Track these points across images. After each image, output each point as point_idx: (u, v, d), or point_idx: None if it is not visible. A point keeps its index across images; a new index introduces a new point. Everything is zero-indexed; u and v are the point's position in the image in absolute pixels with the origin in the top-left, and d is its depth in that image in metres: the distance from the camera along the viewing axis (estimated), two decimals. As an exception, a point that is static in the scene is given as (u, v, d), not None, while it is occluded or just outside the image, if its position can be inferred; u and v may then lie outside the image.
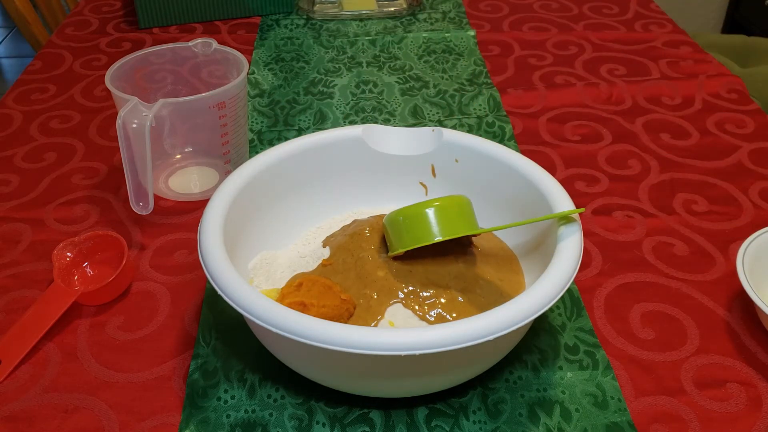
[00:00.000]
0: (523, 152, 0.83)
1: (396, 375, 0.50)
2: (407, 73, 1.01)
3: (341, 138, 0.65)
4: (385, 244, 0.61)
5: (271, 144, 0.85)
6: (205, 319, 0.61)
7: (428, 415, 0.54)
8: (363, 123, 0.89)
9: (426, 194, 0.68)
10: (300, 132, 0.88)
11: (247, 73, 0.74)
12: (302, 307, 0.54)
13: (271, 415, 0.54)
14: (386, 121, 0.90)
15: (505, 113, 0.91)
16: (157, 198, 0.76)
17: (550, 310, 0.62)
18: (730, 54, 1.71)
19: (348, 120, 0.90)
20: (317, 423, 0.53)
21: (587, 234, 0.71)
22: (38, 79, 0.99)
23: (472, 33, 1.11)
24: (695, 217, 0.74)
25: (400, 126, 0.78)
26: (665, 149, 0.84)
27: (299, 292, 0.56)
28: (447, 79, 0.99)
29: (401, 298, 0.57)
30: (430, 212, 0.57)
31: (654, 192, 0.77)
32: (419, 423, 0.53)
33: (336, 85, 0.98)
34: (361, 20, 1.16)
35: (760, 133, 0.87)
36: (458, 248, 0.60)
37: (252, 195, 0.60)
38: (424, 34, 1.11)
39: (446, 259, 0.59)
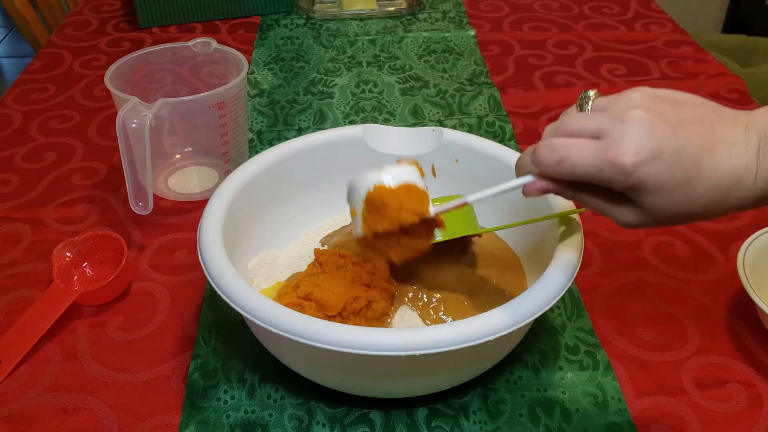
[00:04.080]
0: (523, 152, 0.83)
1: (396, 375, 0.50)
2: (407, 73, 1.01)
3: (341, 138, 0.65)
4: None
5: (271, 144, 0.85)
6: (205, 319, 0.61)
7: (428, 415, 0.54)
8: (363, 123, 0.89)
9: (426, 194, 0.68)
10: (300, 132, 0.88)
11: (247, 73, 0.74)
12: (300, 308, 0.53)
13: (271, 415, 0.54)
14: (386, 121, 0.90)
15: (505, 113, 0.91)
16: (156, 198, 0.76)
17: (551, 310, 0.62)
18: (730, 54, 1.71)
19: (348, 120, 0.90)
20: (317, 423, 0.53)
21: (587, 234, 0.71)
22: (38, 78, 0.99)
23: (472, 33, 1.11)
24: (695, 217, 0.74)
25: (400, 126, 0.78)
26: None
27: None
28: (447, 79, 0.99)
29: (407, 301, 0.57)
30: (430, 212, 0.57)
31: (654, 192, 0.77)
32: (419, 423, 0.53)
33: (336, 84, 0.98)
34: (361, 20, 1.16)
35: (760, 132, 0.87)
36: (459, 249, 0.60)
37: (252, 195, 0.60)
38: (424, 34, 1.11)
39: (449, 260, 0.59)
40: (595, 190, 0.43)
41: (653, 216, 0.41)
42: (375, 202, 0.49)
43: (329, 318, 0.53)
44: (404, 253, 0.51)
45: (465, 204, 0.49)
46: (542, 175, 0.44)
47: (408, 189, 0.49)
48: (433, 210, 0.49)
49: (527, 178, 0.45)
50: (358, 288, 0.54)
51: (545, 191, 0.44)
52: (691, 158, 0.39)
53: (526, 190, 0.45)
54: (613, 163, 0.39)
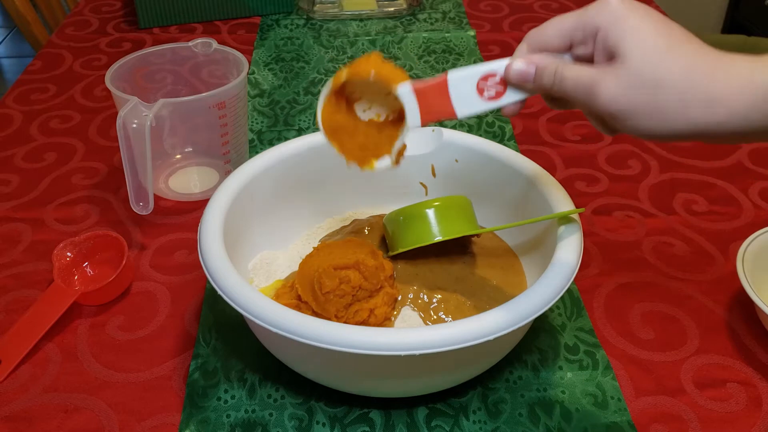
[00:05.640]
0: (523, 152, 0.83)
1: (396, 375, 0.50)
2: (407, 73, 1.00)
3: (341, 138, 0.65)
4: (385, 243, 0.61)
5: (271, 144, 0.85)
6: (205, 319, 0.61)
7: (428, 415, 0.54)
8: (363, 123, 0.89)
9: (426, 194, 0.68)
10: (300, 132, 0.88)
11: (247, 73, 0.74)
12: (297, 309, 0.53)
13: (271, 415, 0.54)
14: (386, 121, 0.90)
15: (505, 113, 0.91)
16: (157, 198, 0.76)
17: (550, 310, 0.62)
18: (730, 54, 1.71)
19: (348, 120, 0.90)
20: (317, 423, 0.53)
21: (587, 234, 0.71)
22: (38, 79, 0.99)
23: (472, 33, 1.11)
24: (695, 217, 0.74)
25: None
26: (665, 149, 0.84)
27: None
28: (447, 79, 0.99)
29: (408, 302, 0.57)
30: (430, 212, 0.57)
31: (654, 192, 0.77)
32: (419, 423, 0.53)
33: (336, 85, 0.98)
34: (361, 20, 1.16)
35: (760, 133, 0.87)
36: (459, 248, 0.60)
37: (252, 195, 0.60)
38: (424, 34, 1.11)
39: (449, 260, 0.59)
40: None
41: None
42: (359, 61, 0.49)
43: (323, 307, 0.53)
44: (359, 152, 0.49)
45: (444, 80, 0.48)
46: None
47: (391, 65, 0.50)
48: (409, 83, 0.49)
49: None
50: (357, 302, 0.54)
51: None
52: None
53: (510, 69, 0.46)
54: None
